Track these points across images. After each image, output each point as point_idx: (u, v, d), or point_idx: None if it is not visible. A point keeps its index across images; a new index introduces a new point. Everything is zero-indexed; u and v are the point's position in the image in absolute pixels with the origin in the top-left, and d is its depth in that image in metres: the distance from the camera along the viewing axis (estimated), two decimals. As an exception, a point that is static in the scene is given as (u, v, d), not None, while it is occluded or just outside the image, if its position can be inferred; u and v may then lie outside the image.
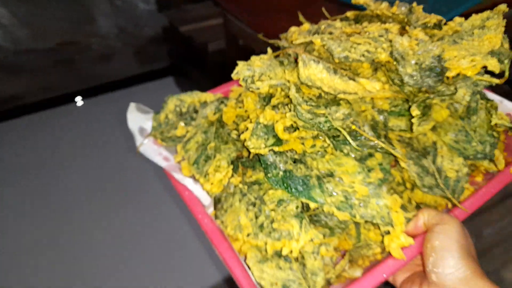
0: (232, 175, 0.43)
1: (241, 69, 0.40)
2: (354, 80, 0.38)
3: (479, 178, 0.48)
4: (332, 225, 0.40)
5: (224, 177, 0.40)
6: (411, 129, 0.38)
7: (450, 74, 0.37)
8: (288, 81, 0.38)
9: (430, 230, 0.37)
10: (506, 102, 0.49)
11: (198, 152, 0.44)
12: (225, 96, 0.51)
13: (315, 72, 0.37)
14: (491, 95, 0.50)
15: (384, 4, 0.45)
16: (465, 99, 0.39)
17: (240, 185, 0.42)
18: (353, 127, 0.37)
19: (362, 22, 0.46)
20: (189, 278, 1.32)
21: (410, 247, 0.38)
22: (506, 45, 0.46)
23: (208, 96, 0.50)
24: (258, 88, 0.39)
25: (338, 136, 0.37)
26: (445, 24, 0.44)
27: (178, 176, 0.44)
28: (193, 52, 1.67)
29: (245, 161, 0.43)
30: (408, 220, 0.39)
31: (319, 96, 0.38)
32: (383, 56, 0.38)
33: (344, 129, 0.35)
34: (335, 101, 0.38)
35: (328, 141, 0.36)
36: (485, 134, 0.44)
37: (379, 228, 0.41)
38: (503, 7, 0.45)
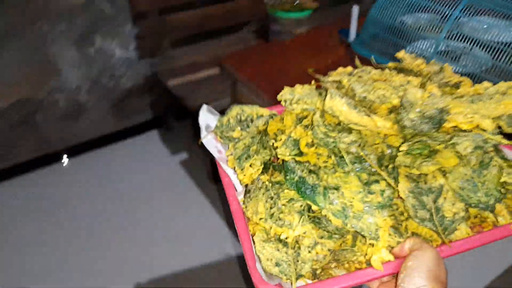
0: (263, 173, 0.54)
1: (285, 93, 0.52)
2: (369, 116, 0.47)
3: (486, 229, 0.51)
4: (330, 230, 0.48)
5: (254, 172, 0.52)
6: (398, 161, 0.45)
7: (447, 125, 0.44)
8: (318, 108, 0.49)
9: (410, 253, 0.44)
10: None
11: (243, 151, 0.56)
12: (277, 113, 0.63)
13: (337, 104, 0.47)
14: None
15: (419, 60, 0.53)
16: (466, 151, 0.45)
17: (267, 182, 0.53)
18: (361, 153, 0.46)
19: (399, 73, 0.54)
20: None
21: (389, 262, 0.45)
22: None
23: (265, 111, 0.63)
24: (293, 109, 0.50)
25: (345, 157, 0.46)
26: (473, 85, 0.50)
27: (224, 166, 0.56)
28: (183, 108, 1.41)
29: (275, 165, 0.54)
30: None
31: (338, 124, 0.47)
32: (395, 101, 0.46)
33: (347, 152, 0.45)
34: (348, 130, 0.47)
35: (333, 158, 0.45)
36: (493, 189, 0.49)
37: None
38: None
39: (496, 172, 0.49)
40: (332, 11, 1.79)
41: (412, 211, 0.47)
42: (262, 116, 0.63)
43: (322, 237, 0.49)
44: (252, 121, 0.63)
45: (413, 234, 0.50)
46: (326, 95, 0.48)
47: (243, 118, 0.61)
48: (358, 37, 1.13)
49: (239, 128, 0.60)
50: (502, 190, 0.49)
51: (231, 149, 0.58)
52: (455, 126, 0.45)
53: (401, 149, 0.44)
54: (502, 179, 0.48)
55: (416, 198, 0.47)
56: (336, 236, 0.49)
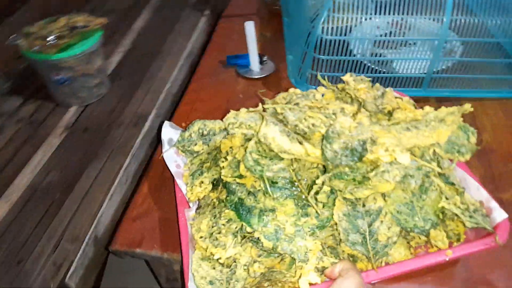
0: (214, 190, 0.57)
1: (230, 117, 0.54)
2: (301, 143, 0.47)
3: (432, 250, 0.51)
4: (268, 249, 0.50)
5: (201, 191, 0.55)
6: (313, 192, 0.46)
7: (369, 157, 0.44)
8: (256, 133, 0.50)
9: (336, 279, 0.45)
10: (482, 190, 0.51)
11: (197, 167, 0.59)
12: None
13: (269, 131, 0.48)
14: (472, 182, 0.52)
15: (362, 85, 0.52)
16: (395, 179, 0.45)
17: (215, 200, 0.55)
18: (294, 178, 0.47)
19: (344, 95, 0.54)
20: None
21: (316, 285, 0.46)
22: (472, 139, 0.49)
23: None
24: (234, 133, 0.52)
25: (277, 182, 0.48)
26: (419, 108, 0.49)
27: (179, 181, 0.59)
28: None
29: (225, 183, 0.56)
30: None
31: (272, 150, 0.48)
32: (323, 131, 0.46)
33: (273, 180, 0.46)
34: (279, 157, 0.48)
35: (262, 184, 0.47)
36: (431, 213, 0.48)
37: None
38: (467, 106, 0.48)
39: (435, 197, 0.48)
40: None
41: (344, 235, 0.47)
42: (224, 130, 0.65)
43: (260, 256, 0.51)
44: (214, 134, 0.65)
45: (349, 255, 0.51)
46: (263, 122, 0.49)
47: (205, 132, 0.63)
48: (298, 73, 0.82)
49: (201, 142, 0.62)
50: (441, 215, 0.48)
51: (188, 164, 0.61)
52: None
53: (317, 181, 0.45)
54: (440, 205, 0.47)
55: (350, 221, 0.48)
56: (275, 255, 0.51)
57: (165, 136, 0.64)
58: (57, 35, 0.95)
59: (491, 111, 0.74)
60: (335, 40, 0.68)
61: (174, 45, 1.30)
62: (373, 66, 0.76)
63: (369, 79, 0.56)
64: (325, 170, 0.48)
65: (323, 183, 0.45)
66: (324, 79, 0.59)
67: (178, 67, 1.21)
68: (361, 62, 0.74)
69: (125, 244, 0.55)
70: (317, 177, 0.49)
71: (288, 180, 0.49)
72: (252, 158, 0.48)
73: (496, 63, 0.75)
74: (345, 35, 0.69)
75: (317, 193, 0.47)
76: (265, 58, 0.82)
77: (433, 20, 0.67)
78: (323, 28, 0.66)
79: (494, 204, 0.49)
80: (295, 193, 0.48)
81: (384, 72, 0.74)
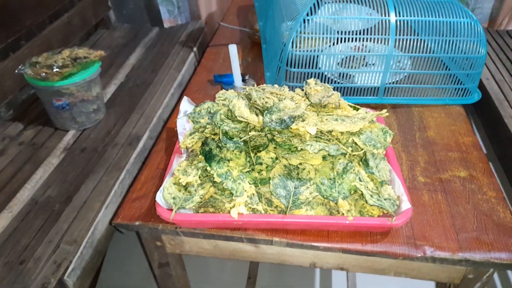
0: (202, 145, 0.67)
1: (220, 93, 0.69)
2: (257, 115, 0.62)
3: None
4: (217, 184, 0.61)
5: (190, 143, 0.66)
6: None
7: (292, 127, 0.58)
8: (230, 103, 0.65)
9: None
10: (401, 187, 0.61)
11: (195, 130, 0.69)
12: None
13: (238, 103, 0.63)
14: (397, 180, 0.62)
15: (319, 87, 0.65)
16: (314, 151, 0.58)
17: (198, 149, 0.66)
18: (241, 136, 0.61)
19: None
20: None
21: (243, 215, 0.58)
22: (388, 139, 0.62)
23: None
24: (218, 103, 0.68)
25: (232, 138, 0.61)
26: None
27: (180, 138, 0.71)
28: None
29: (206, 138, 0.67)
30: None
31: (235, 116, 0.62)
32: (269, 105, 0.61)
33: (230, 136, 0.61)
34: (237, 121, 0.62)
35: (221, 136, 0.60)
36: (346, 189, 0.60)
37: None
38: (384, 112, 0.64)
39: (352, 178, 0.60)
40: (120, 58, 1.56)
41: (273, 188, 0.60)
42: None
43: (210, 187, 0.62)
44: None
45: (277, 206, 0.61)
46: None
47: (212, 111, 0.73)
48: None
49: (207, 117, 0.73)
50: (352, 191, 0.60)
51: (191, 129, 0.71)
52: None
53: (250, 133, 0.60)
54: (353, 183, 0.60)
55: (282, 180, 0.60)
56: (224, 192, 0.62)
57: (182, 107, 0.76)
58: (60, 65, 1.06)
59: (436, 113, 0.87)
60: (304, 57, 0.81)
61: (165, 76, 1.43)
62: (337, 79, 0.88)
63: (331, 87, 0.67)
64: (272, 140, 0.61)
65: (266, 145, 0.61)
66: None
67: (169, 95, 1.33)
68: (327, 76, 0.87)
69: (126, 218, 0.63)
70: (265, 143, 0.61)
71: (240, 138, 0.61)
72: (220, 117, 0.62)
73: (438, 75, 0.88)
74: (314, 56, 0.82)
75: (258, 151, 0.61)
76: (247, 77, 0.94)
77: (382, 42, 0.81)
78: (295, 47, 0.79)
79: (404, 198, 0.59)
80: (243, 147, 0.61)
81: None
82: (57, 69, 1.05)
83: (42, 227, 0.87)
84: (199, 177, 0.61)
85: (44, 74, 1.03)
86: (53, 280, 0.75)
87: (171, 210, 0.59)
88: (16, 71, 1.06)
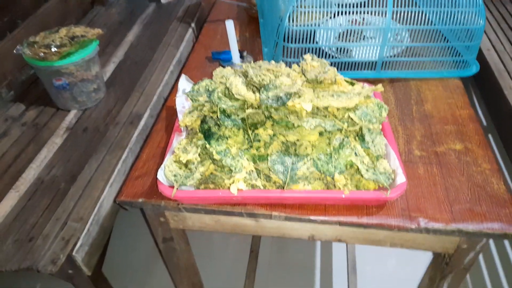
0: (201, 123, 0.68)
1: (217, 70, 0.69)
2: (254, 92, 0.62)
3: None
4: (216, 161, 0.62)
5: (189, 121, 0.67)
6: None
7: (289, 103, 0.58)
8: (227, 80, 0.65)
9: None
10: (397, 161, 0.62)
11: (194, 108, 0.70)
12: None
13: (235, 81, 0.63)
14: (393, 155, 0.63)
15: (314, 63, 0.65)
16: (310, 127, 0.59)
17: (197, 128, 0.67)
18: (239, 114, 0.62)
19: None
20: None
21: (243, 191, 0.59)
22: (384, 114, 0.63)
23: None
24: (215, 81, 0.69)
25: (230, 116, 0.62)
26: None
27: (180, 116, 0.72)
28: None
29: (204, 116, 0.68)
30: None
31: (231, 94, 0.63)
32: (265, 83, 0.62)
33: (228, 114, 0.62)
34: (235, 99, 0.63)
35: (219, 114, 0.62)
36: (342, 164, 0.61)
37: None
38: (380, 87, 0.62)
39: (348, 153, 0.61)
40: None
41: (271, 164, 0.61)
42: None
43: (210, 164, 0.63)
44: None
45: (275, 182, 0.62)
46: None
47: (210, 89, 0.74)
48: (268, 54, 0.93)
49: (205, 95, 0.74)
50: (348, 167, 0.61)
51: (190, 107, 0.72)
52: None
53: (247, 111, 0.61)
54: (349, 159, 0.61)
55: (279, 157, 0.62)
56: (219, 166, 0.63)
57: (181, 85, 0.78)
58: (58, 44, 1.06)
59: (433, 87, 0.87)
60: (302, 31, 0.80)
61: (164, 54, 1.42)
62: (335, 54, 0.88)
63: (328, 62, 0.67)
64: (269, 117, 0.62)
65: (264, 122, 0.62)
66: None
67: (168, 73, 1.32)
68: (325, 51, 0.87)
69: (130, 195, 0.65)
70: (262, 120, 0.63)
71: (237, 116, 0.63)
72: (218, 96, 0.63)
73: (436, 48, 0.88)
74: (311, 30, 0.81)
75: (256, 128, 0.62)
76: (245, 53, 0.94)
77: (380, 14, 0.80)
78: (292, 21, 0.78)
79: (399, 171, 0.60)
80: (241, 125, 0.62)
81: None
82: (55, 49, 1.05)
83: (49, 205, 0.89)
84: (199, 155, 0.62)
85: (42, 54, 1.03)
86: (62, 256, 0.78)
87: (173, 187, 0.60)
88: (15, 51, 1.06)
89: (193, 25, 1.58)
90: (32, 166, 1.00)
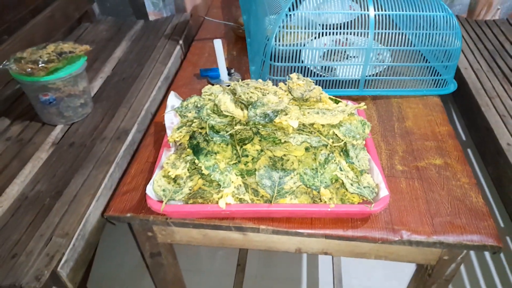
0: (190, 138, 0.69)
1: (206, 88, 0.71)
2: (242, 109, 0.64)
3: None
4: (205, 176, 0.63)
5: (178, 137, 0.68)
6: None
7: (276, 120, 0.60)
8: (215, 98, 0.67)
9: None
10: (380, 176, 0.64)
11: (183, 124, 0.71)
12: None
13: (223, 98, 0.65)
14: (376, 170, 0.65)
15: (300, 82, 0.68)
16: (296, 143, 0.61)
17: (186, 143, 0.68)
18: (227, 130, 0.63)
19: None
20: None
21: (231, 205, 0.61)
22: (367, 130, 0.65)
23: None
24: (204, 98, 0.70)
25: (219, 132, 0.63)
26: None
27: (169, 132, 0.73)
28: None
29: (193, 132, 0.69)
30: None
31: (220, 111, 0.64)
32: (253, 100, 0.63)
33: (217, 130, 0.64)
34: (223, 115, 0.64)
35: (208, 130, 0.63)
36: (328, 178, 0.63)
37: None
38: (362, 105, 0.66)
39: (333, 168, 0.64)
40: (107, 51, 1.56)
41: (259, 179, 0.63)
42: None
43: (199, 179, 0.64)
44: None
45: (263, 196, 0.64)
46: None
47: (198, 105, 0.75)
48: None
49: (194, 111, 0.75)
50: (333, 181, 0.63)
51: (179, 123, 0.73)
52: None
53: (236, 127, 0.63)
54: (334, 173, 0.63)
55: (267, 171, 0.63)
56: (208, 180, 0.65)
57: (170, 102, 0.79)
58: (46, 60, 1.06)
59: (414, 104, 0.91)
60: (288, 51, 0.83)
61: (152, 70, 1.43)
62: (319, 72, 0.91)
63: (313, 80, 0.70)
64: (257, 133, 0.64)
65: (252, 138, 0.63)
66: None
67: (156, 88, 1.34)
68: (310, 69, 0.90)
69: (118, 210, 0.65)
70: (250, 136, 0.64)
71: (226, 132, 0.64)
72: (207, 112, 0.65)
73: (416, 67, 0.92)
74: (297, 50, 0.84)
75: (244, 143, 0.63)
76: (232, 71, 0.96)
77: (363, 35, 0.84)
78: (278, 41, 0.81)
79: (382, 186, 0.62)
80: (229, 141, 0.64)
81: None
82: (43, 64, 1.05)
83: (33, 221, 0.88)
84: (188, 170, 0.63)
85: (29, 69, 1.03)
86: (46, 272, 0.77)
87: (161, 202, 0.61)
88: (1, 66, 1.06)
89: (181, 42, 1.60)
90: (16, 182, 0.99)
